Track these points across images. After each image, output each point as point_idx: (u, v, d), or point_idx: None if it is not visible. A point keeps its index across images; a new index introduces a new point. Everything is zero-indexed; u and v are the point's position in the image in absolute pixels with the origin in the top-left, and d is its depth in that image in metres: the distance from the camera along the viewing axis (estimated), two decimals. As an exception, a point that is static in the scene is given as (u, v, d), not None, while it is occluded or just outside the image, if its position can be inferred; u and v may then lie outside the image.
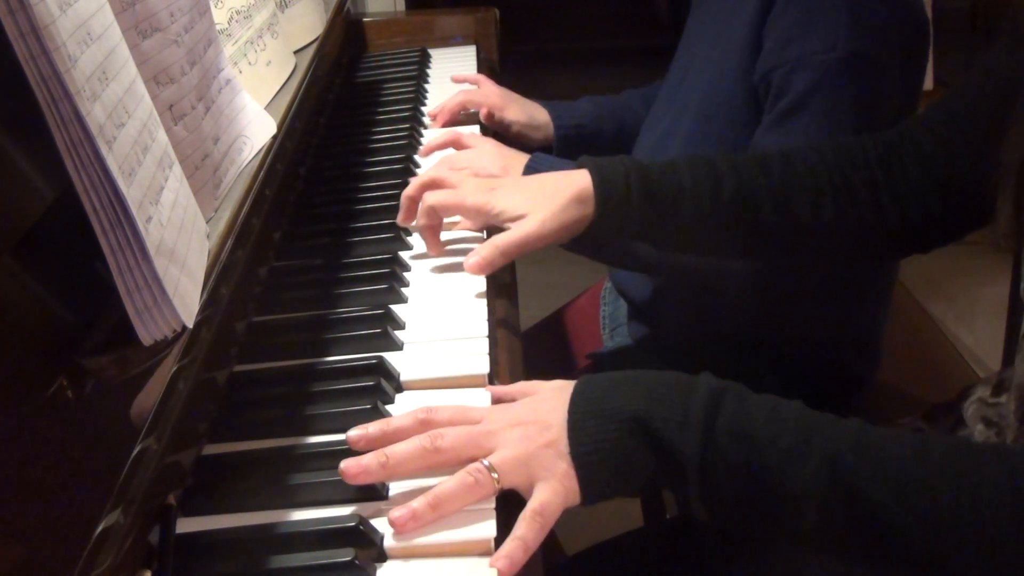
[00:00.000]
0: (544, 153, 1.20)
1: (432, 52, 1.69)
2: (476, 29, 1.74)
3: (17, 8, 0.56)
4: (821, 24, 1.06)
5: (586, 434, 0.71)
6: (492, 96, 1.41)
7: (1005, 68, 0.92)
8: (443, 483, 0.70)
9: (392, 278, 0.99)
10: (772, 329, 1.23)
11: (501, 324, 0.94)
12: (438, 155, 1.24)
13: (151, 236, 0.65)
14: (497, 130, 1.39)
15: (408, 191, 1.05)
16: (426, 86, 1.55)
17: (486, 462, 0.71)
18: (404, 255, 1.05)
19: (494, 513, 0.70)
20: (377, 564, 0.68)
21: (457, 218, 1.06)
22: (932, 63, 2.76)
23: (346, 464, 0.71)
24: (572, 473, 0.71)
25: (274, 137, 1.02)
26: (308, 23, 1.35)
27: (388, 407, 0.82)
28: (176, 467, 0.74)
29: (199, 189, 0.82)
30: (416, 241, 1.08)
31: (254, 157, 0.96)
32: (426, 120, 1.42)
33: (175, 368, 0.69)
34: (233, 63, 1.03)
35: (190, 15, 0.88)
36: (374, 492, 0.73)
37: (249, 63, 1.09)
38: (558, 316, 1.59)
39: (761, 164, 0.98)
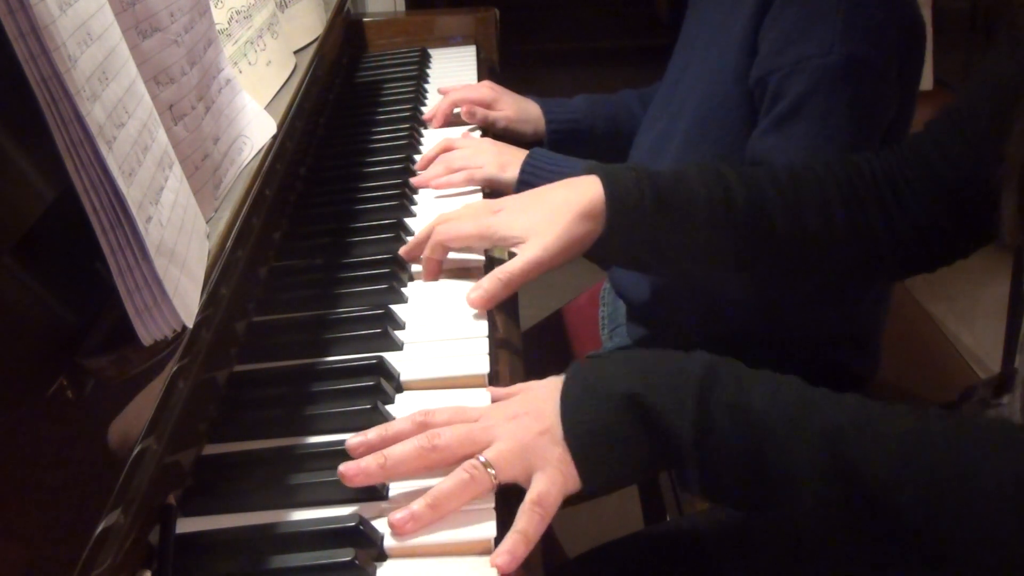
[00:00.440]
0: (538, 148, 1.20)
1: (432, 52, 1.69)
2: (476, 29, 1.74)
3: (17, 8, 0.56)
4: (817, 28, 1.06)
5: (579, 415, 0.71)
6: (483, 91, 1.41)
7: (1007, 71, 0.91)
8: (440, 483, 0.70)
9: (392, 278, 0.99)
10: (771, 329, 1.23)
11: (501, 324, 0.94)
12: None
13: (151, 236, 0.65)
14: (482, 127, 1.38)
15: (420, 234, 1.02)
16: (426, 86, 1.55)
17: (482, 458, 0.71)
18: (404, 255, 1.05)
19: (494, 513, 0.70)
20: (377, 564, 0.68)
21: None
22: (931, 63, 2.76)
23: (345, 467, 0.71)
24: (568, 458, 0.70)
25: (274, 137, 1.02)
26: (308, 23, 1.35)
27: (388, 407, 0.82)
28: (176, 467, 0.74)
29: (199, 189, 0.82)
30: (416, 241, 1.08)
31: (254, 157, 0.96)
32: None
33: (175, 368, 0.69)
34: (233, 63, 1.03)
35: (190, 15, 0.88)
36: (374, 492, 0.73)
37: (249, 63, 1.09)
38: (557, 316, 1.59)
39: (768, 174, 0.97)
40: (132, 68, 0.71)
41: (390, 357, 0.88)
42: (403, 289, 0.99)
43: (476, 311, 0.93)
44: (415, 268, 1.03)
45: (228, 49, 1.03)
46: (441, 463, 0.72)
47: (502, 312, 0.96)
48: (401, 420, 0.76)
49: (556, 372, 0.80)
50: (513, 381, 0.84)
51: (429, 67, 1.63)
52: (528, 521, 0.68)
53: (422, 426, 0.75)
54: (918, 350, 1.44)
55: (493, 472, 0.70)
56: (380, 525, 0.70)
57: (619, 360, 0.74)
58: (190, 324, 0.69)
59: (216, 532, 0.71)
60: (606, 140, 1.41)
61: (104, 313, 0.67)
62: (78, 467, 0.59)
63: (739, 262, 0.99)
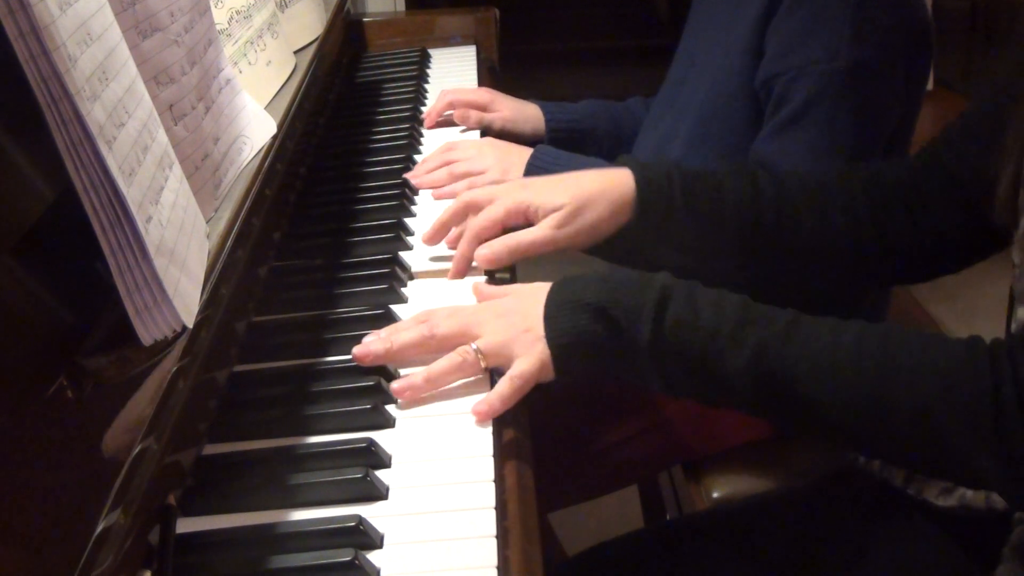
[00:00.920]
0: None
1: (432, 52, 1.69)
2: (476, 29, 1.74)
3: (17, 8, 0.56)
4: (824, 32, 1.05)
5: (559, 322, 0.82)
6: (478, 93, 1.40)
7: (1008, 73, 0.92)
8: (436, 363, 0.82)
9: (392, 278, 0.99)
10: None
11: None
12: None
13: (151, 236, 0.65)
14: (476, 129, 1.38)
15: (443, 218, 1.03)
16: (426, 86, 1.55)
17: (474, 345, 0.83)
18: (404, 255, 1.05)
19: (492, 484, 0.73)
20: (377, 564, 0.68)
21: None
22: (932, 64, 2.76)
23: (356, 349, 0.84)
24: (547, 353, 0.82)
25: (274, 137, 1.02)
26: (308, 23, 1.35)
27: (388, 407, 0.82)
28: (176, 467, 0.74)
29: (199, 189, 0.82)
30: (416, 241, 1.08)
31: (254, 157, 0.96)
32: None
33: (175, 368, 0.69)
34: (233, 63, 1.03)
35: (190, 15, 0.88)
36: (374, 492, 0.73)
37: (249, 63, 1.09)
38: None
39: (793, 175, 1.00)
40: (132, 68, 0.71)
41: (390, 357, 0.88)
42: (403, 289, 0.99)
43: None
44: (415, 268, 1.03)
45: (228, 49, 1.03)
46: (438, 349, 0.84)
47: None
48: (406, 321, 0.88)
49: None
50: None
51: (429, 67, 1.63)
52: (508, 387, 0.80)
53: (422, 322, 0.86)
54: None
55: (482, 357, 0.83)
56: (380, 525, 0.70)
57: (597, 278, 0.84)
58: (190, 324, 0.69)
59: (216, 532, 0.71)
60: (607, 142, 1.40)
61: (104, 313, 0.67)
62: (78, 467, 0.59)
63: (761, 263, 1.01)
